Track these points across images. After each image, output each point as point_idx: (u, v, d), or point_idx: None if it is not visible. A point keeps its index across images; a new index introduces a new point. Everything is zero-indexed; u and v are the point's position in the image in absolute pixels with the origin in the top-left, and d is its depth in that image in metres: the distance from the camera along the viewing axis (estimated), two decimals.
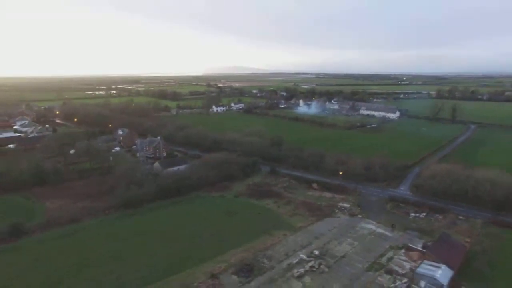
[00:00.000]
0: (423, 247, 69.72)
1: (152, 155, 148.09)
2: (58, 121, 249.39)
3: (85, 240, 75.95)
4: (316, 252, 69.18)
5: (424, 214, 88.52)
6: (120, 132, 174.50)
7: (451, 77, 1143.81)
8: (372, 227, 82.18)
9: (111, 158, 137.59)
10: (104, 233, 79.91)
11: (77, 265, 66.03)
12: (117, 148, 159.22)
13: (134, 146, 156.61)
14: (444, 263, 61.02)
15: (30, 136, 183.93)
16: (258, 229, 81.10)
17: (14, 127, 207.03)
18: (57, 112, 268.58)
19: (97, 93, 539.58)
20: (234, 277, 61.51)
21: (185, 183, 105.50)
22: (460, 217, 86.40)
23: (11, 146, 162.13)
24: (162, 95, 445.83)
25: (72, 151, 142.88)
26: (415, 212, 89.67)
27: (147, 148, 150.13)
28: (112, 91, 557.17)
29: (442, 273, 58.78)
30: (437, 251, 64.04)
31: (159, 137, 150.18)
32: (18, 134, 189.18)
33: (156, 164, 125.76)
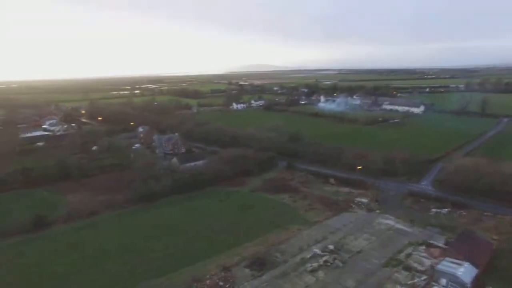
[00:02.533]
0: (445, 244, 66.45)
1: (171, 151, 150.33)
2: (84, 120, 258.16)
3: (102, 232, 78.04)
4: (331, 246, 67.51)
5: (447, 210, 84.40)
6: (140, 129, 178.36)
7: (483, 69, 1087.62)
8: (391, 222, 79.30)
9: (131, 154, 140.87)
10: (121, 225, 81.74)
11: (93, 256, 67.99)
12: (138, 145, 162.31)
13: (154, 143, 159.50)
14: (467, 260, 57.69)
15: (57, 134, 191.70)
16: (272, 223, 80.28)
17: (43, 126, 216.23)
18: (83, 112, 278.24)
19: (121, 93, 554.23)
20: (247, 270, 61.10)
21: (201, 178, 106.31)
22: (486, 214, 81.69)
23: (40, 144, 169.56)
24: (184, 93, 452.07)
25: (94, 148, 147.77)
26: (437, 207, 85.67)
27: (166, 144, 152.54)
28: (136, 91, 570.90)
29: (465, 271, 55.56)
30: (460, 247, 60.76)
31: (176, 134, 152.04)
32: (46, 133, 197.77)
33: (174, 159, 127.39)
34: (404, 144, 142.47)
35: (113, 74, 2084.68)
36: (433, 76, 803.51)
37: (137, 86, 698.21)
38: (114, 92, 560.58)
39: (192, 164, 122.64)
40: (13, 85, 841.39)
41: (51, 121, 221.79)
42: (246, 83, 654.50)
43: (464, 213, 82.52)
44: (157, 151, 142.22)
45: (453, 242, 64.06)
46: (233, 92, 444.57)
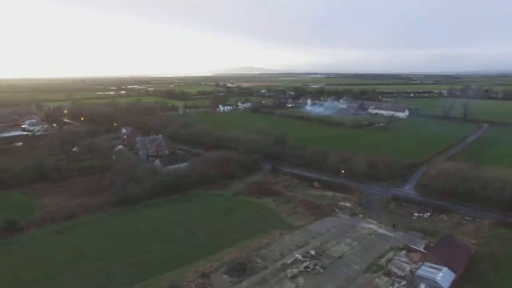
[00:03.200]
0: (425, 248, 66.56)
1: (155, 153, 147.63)
2: (66, 120, 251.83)
3: (79, 237, 75.21)
4: (312, 252, 66.70)
5: (429, 214, 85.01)
6: (124, 130, 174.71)
7: (464, 76, 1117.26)
8: (373, 227, 79.20)
9: (113, 156, 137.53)
10: (99, 229, 79.04)
11: (69, 261, 65.34)
12: (121, 146, 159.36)
13: (137, 145, 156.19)
14: (446, 265, 57.87)
15: (37, 134, 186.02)
16: (254, 227, 79.05)
17: (22, 126, 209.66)
18: (65, 112, 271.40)
19: (107, 93, 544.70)
20: (225, 276, 59.62)
21: (183, 181, 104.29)
22: (467, 218, 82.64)
23: (17, 144, 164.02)
24: (170, 95, 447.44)
25: (75, 149, 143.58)
26: (419, 212, 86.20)
27: (149, 146, 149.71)
28: (122, 91, 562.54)
29: (444, 276, 55.70)
30: (439, 252, 60.87)
31: (160, 136, 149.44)
32: (25, 133, 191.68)
33: (157, 161, 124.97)
34: (388, 148, 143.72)
35: (100, 74, 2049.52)
36: (417, 82, 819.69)
37: (123, 87, 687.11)
38: (99, 93, 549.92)
39: (176, 166, 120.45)
40: None
41: (31, 121, 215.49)
42: (233, 86, 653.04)
43: (445, 217, 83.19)
44: (140, 152, 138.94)
45: (433, 247, 64.20)
46: (220, 94, 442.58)
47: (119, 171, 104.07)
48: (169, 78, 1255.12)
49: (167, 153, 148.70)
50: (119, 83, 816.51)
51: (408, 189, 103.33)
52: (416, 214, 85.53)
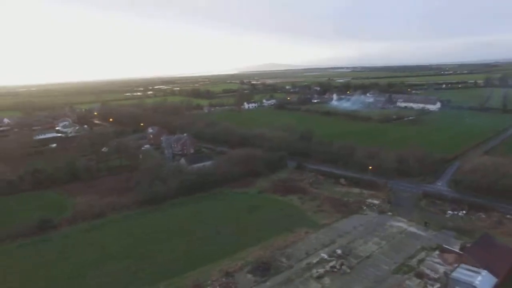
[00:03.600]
0: (461, 249, 62.44)
1: (180, 152, 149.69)
2: (96, 121, 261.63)
3: (107, 235, 77.30)
4: (339, 251, 64.57)
5: (464, 212, 79.96)
6: (150, 130, 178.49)
7: (504, 64, 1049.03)
8: (403, 225, 75.59)
9: (140, 155, 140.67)
10: (126, 228, 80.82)
11: (98, 259, 67.13)
12: (147, 146, 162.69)
13: (162, 144, 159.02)
14: (485, 268, 53.76)
15: (70, 136, 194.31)
16: (279, 226, 77.79)
17: (56, 128, 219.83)
18: (95, 113, 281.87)
19: (134, 94, 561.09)
20: (249, 275, 58.89)
21: (208, 179, 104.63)
22: (508, 216, 76.86)
23: (52, 145, 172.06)
24: (196, 93, 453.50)
25: (104, 149, 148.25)
26: (453, 209, 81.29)
27: (175, 145, 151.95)
28: (149, 92, 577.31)
29: (483, 280, 51.67)
30: (478, 253, 56.76)
31: (185, 134, 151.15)
32: (59, 135, 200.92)
33: (182, 160, 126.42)
34: (419, 142, 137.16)
35: (127, 76, 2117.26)
36: (450, 72, 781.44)
37: (150, 87, 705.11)
38: (127, 94, 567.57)
39: (200, 165, 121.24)
40: (32, 89, 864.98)
41: (64, 123, 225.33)
42: (258, 83, 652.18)
43: (483, 216, 77.95)
44: (165, 152, 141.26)
45: (470, 247, 59.98)
46: (245, 91, 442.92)
47: (145, 170, 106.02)
48: (194, 78, 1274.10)
49: (192, 151, 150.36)
50: (146, 84, 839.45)
51: (440, 186, 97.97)
52: (450, 212, 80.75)
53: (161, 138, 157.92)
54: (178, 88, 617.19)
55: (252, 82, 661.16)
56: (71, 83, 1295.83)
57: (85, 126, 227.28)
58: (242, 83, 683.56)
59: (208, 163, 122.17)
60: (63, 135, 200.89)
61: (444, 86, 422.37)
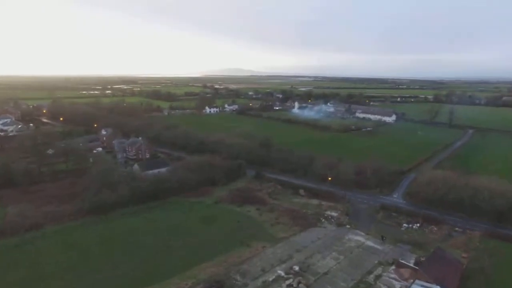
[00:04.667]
0: (416, 263, 62.65)
1: (135, 156, 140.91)
2: (44, 120, 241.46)
3: (42, 250, 68.47)
4: (296, 268, 62.02)
5: (418, 225, 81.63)
6: (103, 132, 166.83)
7: (448, 82, 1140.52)
8: (361, 239, 75.12)
9: (90, 159, 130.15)
10: (66, 241, 72.38)
11: (28, 279, 58.84)
12: (99, 149, 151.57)
13: (115, 147, 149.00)
14: (438, 283, 54.08)
15: (10, 135, 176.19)
16: (235, 239, 73.99)
17: None
18: (44, 111, 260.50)
19: (92, 92, 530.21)
20: None
21: (162, 187, 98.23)
22: (457, 229, 79.62)
23: None
24: (156, 95, 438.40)
25: (49, 151, 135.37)
26: (408, 222, 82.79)
27: (129, 149, 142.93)
28: (107, 91, 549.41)
29: None
30: (431, 269, 57.07)
31: (140, 138, 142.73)
32: None
33: (135, 166, 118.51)
34: (376, 153, 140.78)
35: (86, 73, 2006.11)
36: (404, 87, 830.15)
37: (109, 86, 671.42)
38: (84, 92, 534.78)
39: (155, 171, 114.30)
40: None
41: (5, 120, 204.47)
42: (221, 87, 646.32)
43: (435, 228, 80.00)
44: (117, 156, 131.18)
45: (424, 262, 60.35)
46: (207, 95, 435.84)
47: (93, 176, 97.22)
48: (156, 79, 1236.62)
49: (148, 156, 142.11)
50: (105, 83, 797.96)
51: (396, 198, 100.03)
52: (405, 224, 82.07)
53: (113, 142, 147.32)
54: (138, 89, 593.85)
55: (215, 86, 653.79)
56: (21, 76, 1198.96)
57: (31, 124, 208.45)
58: (205, 86, 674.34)
59: (163, 169, 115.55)
60: (2, 133, 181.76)
61: (399, 99, 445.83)
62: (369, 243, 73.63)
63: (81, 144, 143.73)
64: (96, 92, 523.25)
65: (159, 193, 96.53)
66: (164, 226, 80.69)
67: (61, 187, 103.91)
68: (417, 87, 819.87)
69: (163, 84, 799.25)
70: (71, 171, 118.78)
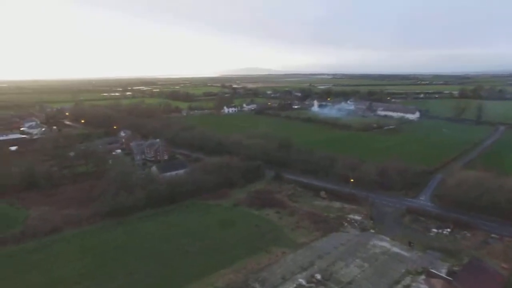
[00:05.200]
0: (448, 274, 57.99)
1: (153, 158, 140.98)
2: (67, 122, 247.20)
3: (60, 254, 68.14)
4: (318, 276, 58.71)
5: (449, 230, 76.19)
6: (122, 134, 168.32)
7: (475, 76, 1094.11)
8: (386, 245, 70.82)
9: (110, 161, 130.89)
10: (83, 245, 71.97)
11: (45, 284, 58.33)
12: (119, 151, 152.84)
13: (134, 149, 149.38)
14: None
15: (35, 137, 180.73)
16: (254, 245, 71.41)
17: (21, 129, 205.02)
18: (67, 114, 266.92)
19: (112, 94, 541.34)
20: None
21: (180, 190, 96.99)
22: (493, 235, 73.55)
23: (12, 148, 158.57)
24: (175, 96, 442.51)
25: (71, 153, 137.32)
26: (438, 227, 77.44)
27: (148, 151, 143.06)
28: (128, 93, 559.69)
29: None
30: (467, 281, 52.48)
31: (157, 140, 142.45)
32: (23, 136, 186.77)
33: (154, 168, 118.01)
34: (399, 153, 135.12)
35: (108, 75, 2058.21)
36: (426, 82, 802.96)
37: (129, 88, 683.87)
38: (105, 94, 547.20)
39: (173, 173, 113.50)
40: (3, 85, 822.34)
41: (30, 123, 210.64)
42: (239, 87, 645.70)
43: (468, 235, 74.37)
44: (136, 158, 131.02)
45: (459, 273, 55.64)
46: (226, 95, 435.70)
47: (110, 178, 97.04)
48: (175, 79, 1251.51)
49: (166, 158, 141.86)
50: (126, 84, 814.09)
51: (423, 200, 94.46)
52: (434, 229, 76.84)
53: (131, 144, 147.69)
54: (157, 90, 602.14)
55: (233, 86, 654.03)
56: (46, 80, 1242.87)
57: (54, 127, 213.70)
58: (223, 86, 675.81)
59: (181, 171, 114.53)
60: (27, 136, 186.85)
61: (422, 95, 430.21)
62: (396, 249, 69.25)
63: (100, 146, 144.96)
64: (117, 94, 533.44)
65: (176, 196, 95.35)
66: (181, 230, 79.10)
67: (81, 189, 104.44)
68: (441, 82, 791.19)
69: (181, 85, 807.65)
70: (91, 173, 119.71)
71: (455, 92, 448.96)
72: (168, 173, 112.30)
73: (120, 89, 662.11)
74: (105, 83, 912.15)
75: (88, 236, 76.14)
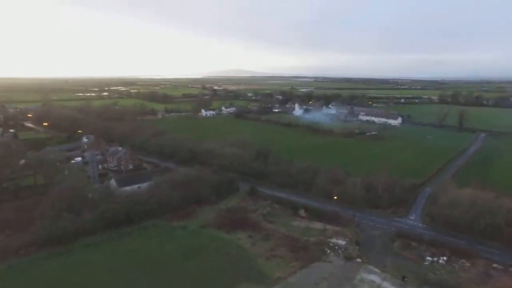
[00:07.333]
0: None
1: (116, 168, 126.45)
2: (28, 124, 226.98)
3: None
4: None
5: (445, 258, 66.58)
6: (84, 139, 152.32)
7: (450, 82, 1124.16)
8: (376, 279, 60.29)
9: (66, 171, 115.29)
10: (11, 285, 57.89)
11: None
12: (79, 159, 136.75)
13: (99, 157, 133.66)
14: None
15: None
16: (221, 281, 59.40)
17: None
18: (29, 115, 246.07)
19: (88, 94, 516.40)
20: None
21: (140, 208, 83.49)
22: (495, 265, 64.45)
23: None
24: (152, 97, 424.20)
25: (21, 162, 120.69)
26: (432, 255, 67.69)
27: (110, 160, 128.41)
28: (104, 93, 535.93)
29: None
30: None
31: (120, 148, 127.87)
32: None
33: (112, 181, 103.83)
34: (384, 161, 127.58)
35: (87, 75, 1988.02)
36: (405, 87, 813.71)
37: (106, 88, 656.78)
38: (79, 94, 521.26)
39: (135, 186, 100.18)
40: None
41: None
42: (220, 88, 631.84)
43: (467, 264, 64.95)
44: (90, 169, 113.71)
45: None
46: (205, 97, 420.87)
47: (54, 196, 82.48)
48: (157, 80, 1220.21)
49: (131, 167, 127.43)
50: (103, 84, 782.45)
51: (414, 221, 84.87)
52: (428, 258, 67.04)
53: (85, 154, 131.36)
54: (135, 90, 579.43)
55: (214, 88, 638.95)
56: (19, 78, 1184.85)
57: (11, 130, 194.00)
58: (204, 88, 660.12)
59: (144, 184, 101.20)
60: None
61: (403, 100, 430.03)
62: (387, 284, 58.88)
63: (52, 155, 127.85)
64: (93, 95, 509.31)
65: (134, 216, 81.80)
66: (136, 261, 66.03)
67: (22, 208, 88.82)
68: (419, 87, 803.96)
69: (162, 86, 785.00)
70: (38, 186, 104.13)
71: (434, 97, 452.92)
72: (129, 187, 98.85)
73: (97, 89, 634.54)
74: (81, 83, 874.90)
75: (15, 272, 61.49)
